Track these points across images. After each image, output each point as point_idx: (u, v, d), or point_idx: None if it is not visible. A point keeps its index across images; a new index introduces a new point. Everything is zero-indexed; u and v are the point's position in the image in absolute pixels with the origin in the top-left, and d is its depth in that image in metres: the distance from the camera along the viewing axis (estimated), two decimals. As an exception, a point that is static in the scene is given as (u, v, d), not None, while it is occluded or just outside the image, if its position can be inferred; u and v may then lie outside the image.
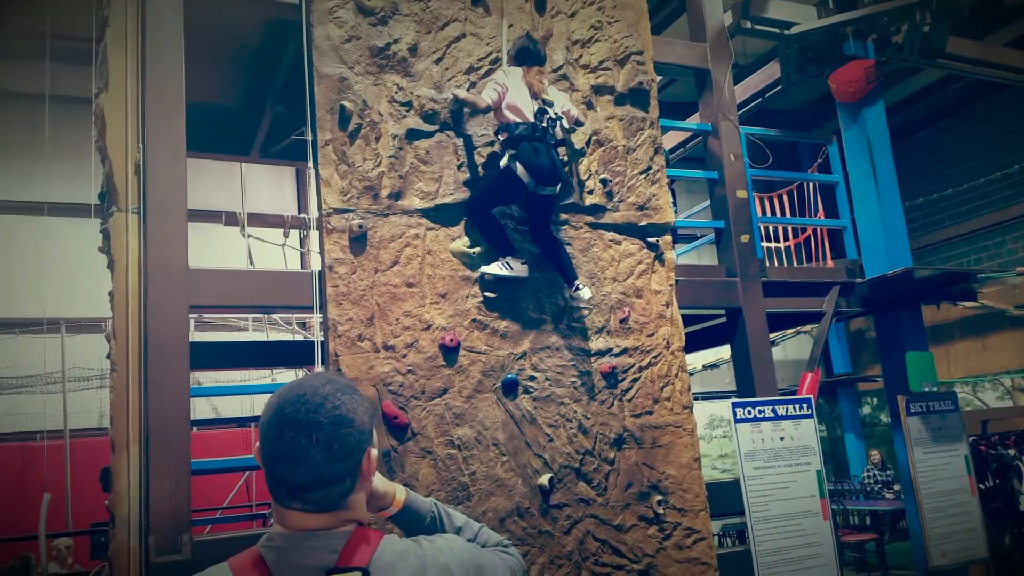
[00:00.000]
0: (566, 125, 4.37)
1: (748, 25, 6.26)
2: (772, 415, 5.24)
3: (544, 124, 4.20)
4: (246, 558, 1.40)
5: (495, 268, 4.26)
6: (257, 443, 1.43)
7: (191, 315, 4.19)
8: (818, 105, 11.92)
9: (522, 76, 4.27)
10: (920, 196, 12.91)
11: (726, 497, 5.13)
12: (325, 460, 1.37)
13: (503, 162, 4.23)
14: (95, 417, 10.94)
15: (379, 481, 1.71)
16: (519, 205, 4.48)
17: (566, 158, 4.69)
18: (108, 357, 3.91)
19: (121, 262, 3.78)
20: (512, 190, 4.27)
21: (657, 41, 5.39)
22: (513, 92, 4.22)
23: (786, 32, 6.49)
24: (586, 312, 4.58)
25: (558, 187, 4.30)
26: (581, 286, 4.38)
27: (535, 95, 4.24)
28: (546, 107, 4.24)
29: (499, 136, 4.32)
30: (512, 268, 4.25)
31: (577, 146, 4.79)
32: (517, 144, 4.16)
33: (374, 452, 1.48)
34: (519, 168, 4.15)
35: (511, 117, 4.22)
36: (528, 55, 4.31)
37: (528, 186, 4.19)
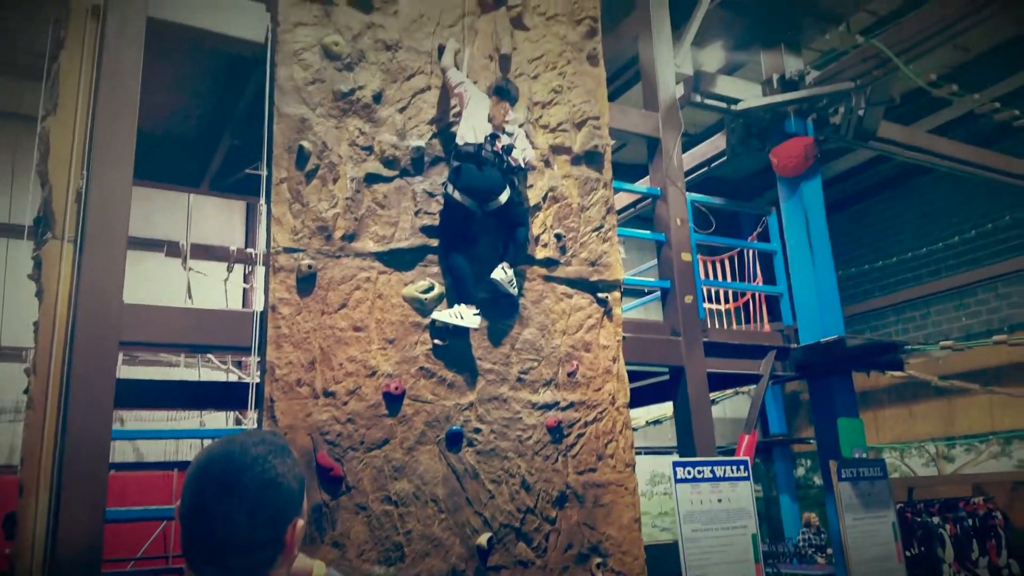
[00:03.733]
0: (522, 163, 4.45)
1: (698, 99, 6.53)
2: (711, 476, 5.28)
3: (496, 149, 4.27)
4: None
5: (446, 316, 4.22)
6: (179, 500, 1.34)
7: (121, 351, 4.01)
8: (759, 176, 12.39)
9: (487, 101, 4.41)
10: (852, 267, 13.47)
11: (664, 559, 5.11)
12: (247, 524, 1.29)
13: (446, 191, 4.30)
14: (3, 454, 10.27)
15: (299, 557, 1.61)
16: (481, 232, 4.47)
17: (520, 188, 4.71)
18: (26, 392, 3.69)
19: (51, 292, 3.60)
20: (463, 218, 4.30)
21: (613, 108, 5.56)
22: (473, 103, 4.34)
23: (732, 107, 6.79)
24: (535, 364, 4.57)
25: (503, 195, 4.31)
26: (507, 270, 4.38)
27: (493, 122, 4.34)
28: (499, 134, 4.31)
29: (452, 161, 4.37)
30: (463, 317, 4.22)
31: (533, 201, 4.85)
32: (461, 163, 4.23)
33: (300, 523, 1.38)
34: (456, 194, 4.22)
35: (456, 101, 4.46)
36: (501, 91, 4.49)
37: (471, 208, 4.24)
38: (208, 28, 4.31)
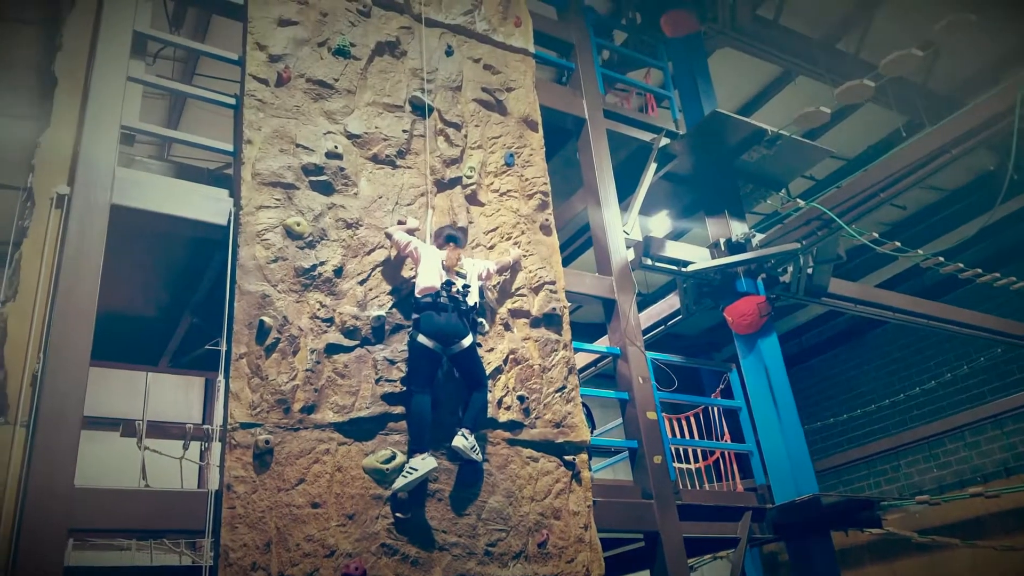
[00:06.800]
0: (489, 285, 4.76)
1: (649, 263, 6.81)
2: (693, 652, 4.98)
3: (453, 293, 4.49)
4: None
5: (401, 482, 4.17)
6: None
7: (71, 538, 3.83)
8: (716, 331, 12.70)
9: (438, 252, 4.68)
10: (818, 420, 13.49)
11: None
12: None
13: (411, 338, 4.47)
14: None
15: None
16: (447, 372, 4.64)
17: (483, 322, 4.94)
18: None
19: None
20: (429, 360, 4.42)
21: (568, 273, 5.80)
22: (425, 258, 4.60)
23: (683, 270, 7.06)
24: (503, 534, 4.42)
25: (466, 340, 4.47)
26: (467, 436, 4.40)
27: (447, 268, 4.57)
28: (453, 280, 4.54)
29: (413, 314, 4.56)
30: (417, 469, 4.16)
31: (495, 364, 4.90)
32: (420, 313, 4.43)
33: None
34: (420, 336, 4.38)
35: (409, 261, 4.73)
36: (450, 237, 4.80)
37: (436, 351, 4.38)
38: (171, 213, 4.48)
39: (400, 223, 4.86)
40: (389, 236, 4.76)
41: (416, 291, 4.53)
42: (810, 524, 6.55)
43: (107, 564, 7.87)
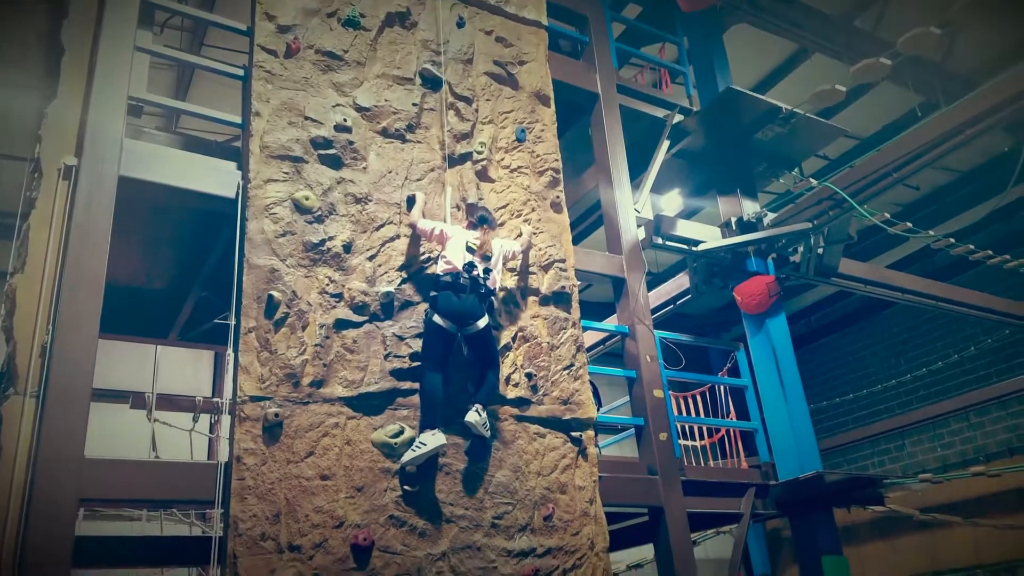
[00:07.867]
0: (510, 266, 4.83)
1: (660, 241, 6.77)
2: (696, 627, 5.03)
3: (474, 275, 4.47)
4: None
5: (410, 455, 4.20)
6: None
7: (81, 508, 3.88)
8: (725, 311, 12.67)
9: (465, 234, 4.65)
10: (824, 400, 13.52)
11: None
12: None
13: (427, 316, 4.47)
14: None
15: None
16: (455, 369, 4.62)
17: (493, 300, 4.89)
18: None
19: (10, 450, 3.52)
20: (443, 340, 4.42)
21: (578, 251, 5.78)
22: (452, 239, 4.58)
23: (694, 248, 7.04)
24: (509, 508, 4.46)
25: (482, 321, 4.47)
26: (480, 412, 4.42)
27: (473, 249, 4.55)
28: (476, 262, 4.52)
29: (431, 292, 4.57)
30: (427, 444, 4.19)
31: (503, 341, 4.91)
32: (439, 292, 4.44)
33: None
34: (436, 316, 4.38)
35: (433, 242, 4.71)
36: (482, 219, 4.75)
37: (451, 330, 4.38)
38: (179, 185, 4.45)
39: (409, 199, 4.83)
40: (414, 228, 4.72)
41: (438, 269, 4.53)
42: (813, 501, 6.61)
43: (117, 534, 7.98)
